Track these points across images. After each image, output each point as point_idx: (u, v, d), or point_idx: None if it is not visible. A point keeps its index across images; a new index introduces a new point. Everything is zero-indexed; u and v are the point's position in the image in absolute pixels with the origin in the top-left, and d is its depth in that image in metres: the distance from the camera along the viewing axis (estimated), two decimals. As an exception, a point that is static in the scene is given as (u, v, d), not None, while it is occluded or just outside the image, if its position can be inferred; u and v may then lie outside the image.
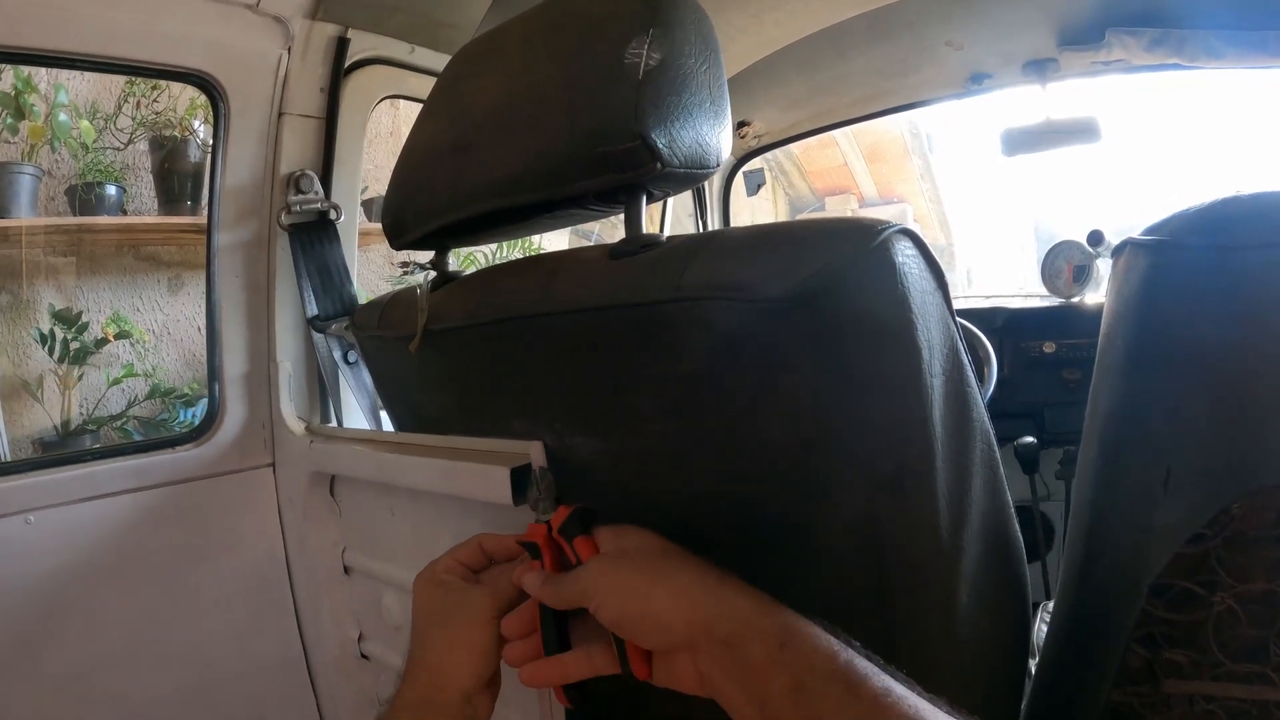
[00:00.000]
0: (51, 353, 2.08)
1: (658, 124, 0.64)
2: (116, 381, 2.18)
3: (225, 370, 1.24)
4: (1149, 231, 0.66)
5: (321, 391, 1.29)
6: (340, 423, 1.28)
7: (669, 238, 0.69)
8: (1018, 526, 0.75)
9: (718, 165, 0.70)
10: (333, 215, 1.23)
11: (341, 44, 1.24)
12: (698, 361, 0.64)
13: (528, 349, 0.77)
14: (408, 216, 0.85)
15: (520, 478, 0.76)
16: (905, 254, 0.59)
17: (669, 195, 0.75)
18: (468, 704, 0.69)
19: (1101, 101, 2.00)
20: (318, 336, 1.23)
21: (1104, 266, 2.05)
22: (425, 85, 1.32)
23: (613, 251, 0.70)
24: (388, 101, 1.41)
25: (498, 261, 2.20)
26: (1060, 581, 0.79)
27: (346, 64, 1.25)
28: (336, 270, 1.22)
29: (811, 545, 0.66)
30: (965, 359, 0.65)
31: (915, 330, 0.59)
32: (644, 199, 0.70)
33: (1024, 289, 2.33)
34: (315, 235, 1.22)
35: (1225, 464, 0.62)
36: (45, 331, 2.09)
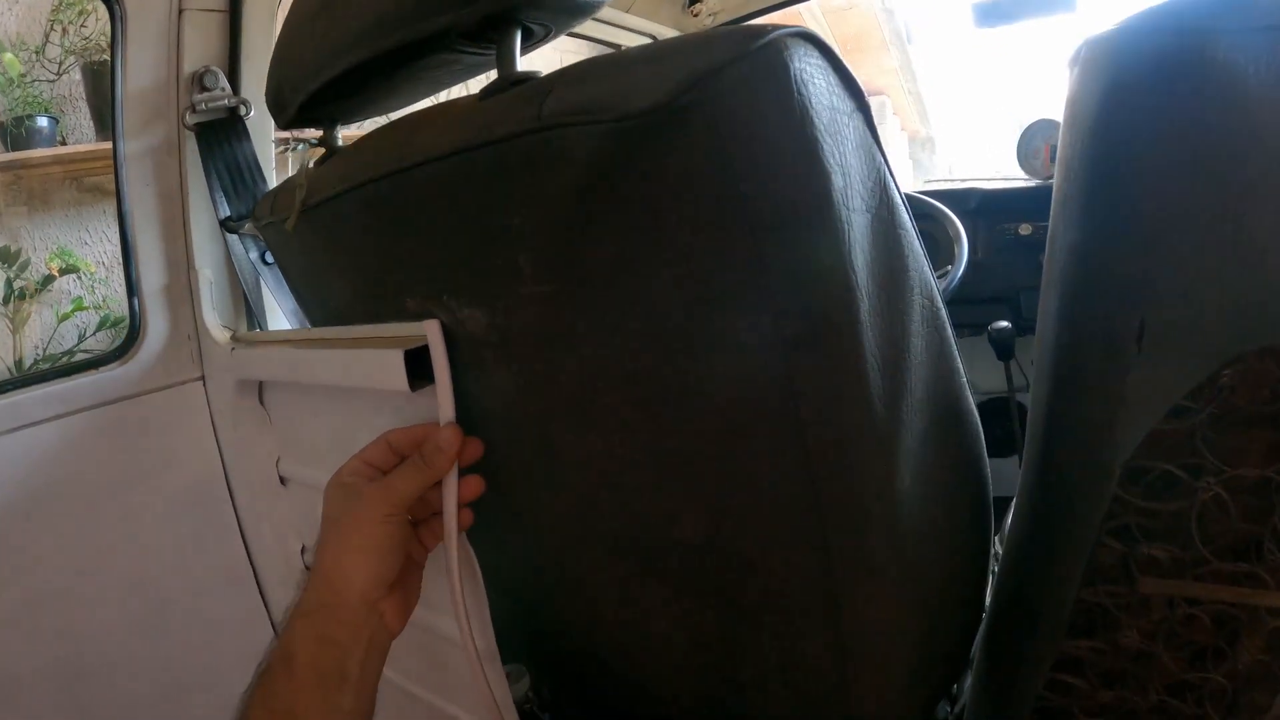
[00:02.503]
0: (-3, 293, 2.03)
1: None
2: (66, 316, 2.14)
3: (144, 283, 1.18)
4: (1114, 25, 0.56)
5: (246, 297, 1.23)
6: (264, 327, 1.23)
7: (547, 75, 0.60)
8: (971, 400, 0.67)
9: None
10: (242, 111, 1.16)
11: (241, -72, 1.14)
12: (567, 204, 0.56)
13: (403, 210, 0.70)
14: (283, 90, 0.78)
15: (417, 360, 0.70)
16: (805, 60, 0.50)
17: (551, 31, 0.67)
18: (371, 610, 0.65)
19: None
20: (232, 238, 1.17)
21: (1083, 146, 1.99)
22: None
23: (483, 92, 0.63)
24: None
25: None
26: (1023, 468, 0.72)
27: (248, -50, 1.16)
28: (248, 167, 1.16)
29: (723, 421, 0.59)
30: (898, 198, 0.57)
31: (820, 149, 0.50)
32: (518, 34, 0.62)
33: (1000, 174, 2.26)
34: (224, 134, 1.15)
35: (1214, 314, 0.54)
36: (-11, 274, 2.03)
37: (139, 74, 1.14)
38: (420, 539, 0.72)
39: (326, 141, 0.83)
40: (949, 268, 1.60)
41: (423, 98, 0.85)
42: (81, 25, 2.14)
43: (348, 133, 0.91)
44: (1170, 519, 0.57)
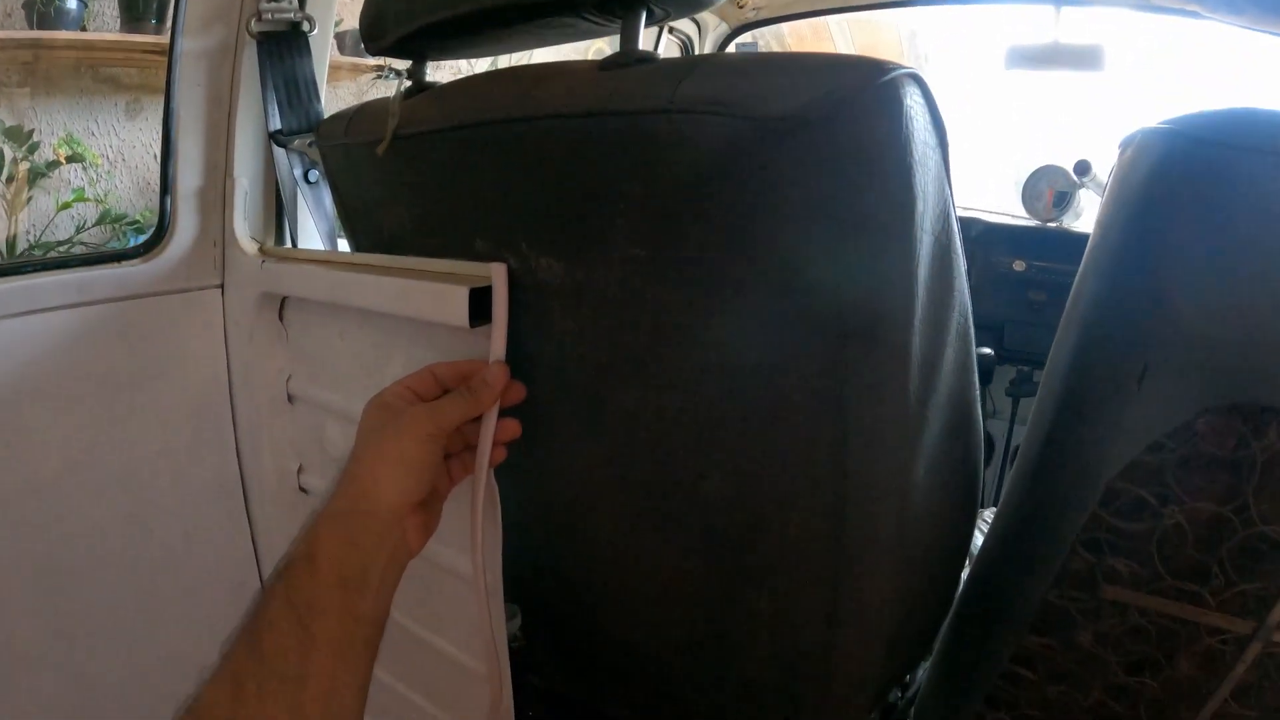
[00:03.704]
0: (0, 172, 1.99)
1: None
2: (66, 205, 2.09)
3: (179, 184, 1.18)
4: (1165, 122, 0.64)
5: (279, 212, 1.24)
6: (295, 244, 1.24)
7: (666, 58, 0.66)
8: (980, 410, 0.75)
9: None
10: (306, 26, 1.16)
11: None
12: (682, 181, 0.62)
13: (503, 158, 0.73)
14: (388, 16, 0.79)
15: (479, 300, 0.73)
16: (913, 98, 0.57)
17: (669, 16, 0.72)
18: (396, 522, 0.67)
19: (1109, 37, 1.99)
20: (279, 152, 1.17)
21: (1085, 197, 2.07)
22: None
23: (603, 63, 0.67)
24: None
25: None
26: (1010, 481, 0.79)
27: None
28: (305, 85, 1.16)
29: (775, 392, 0.65)
30: (956, 225, 0.64)
31: (913, 177, 0.57)
32: (643, 14, 0.67)
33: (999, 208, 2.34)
34: (285, 46, 1.15)
35: (1202, 370, 0.62)
36: (-5, 151, 1.98)
37: (206, -27, 1.13)
38: (449, 470, 0.74)
39: (415, 75, 0.84)
40: None
41: (524, 49, 0.87)
42: (123, -95, 2.09)
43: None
44: (1136, 538, 0.65)
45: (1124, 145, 0.68)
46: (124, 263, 1.17)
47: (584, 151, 0.67)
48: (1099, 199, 2.05)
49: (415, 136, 0.78)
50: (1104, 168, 2.00)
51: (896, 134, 0.56)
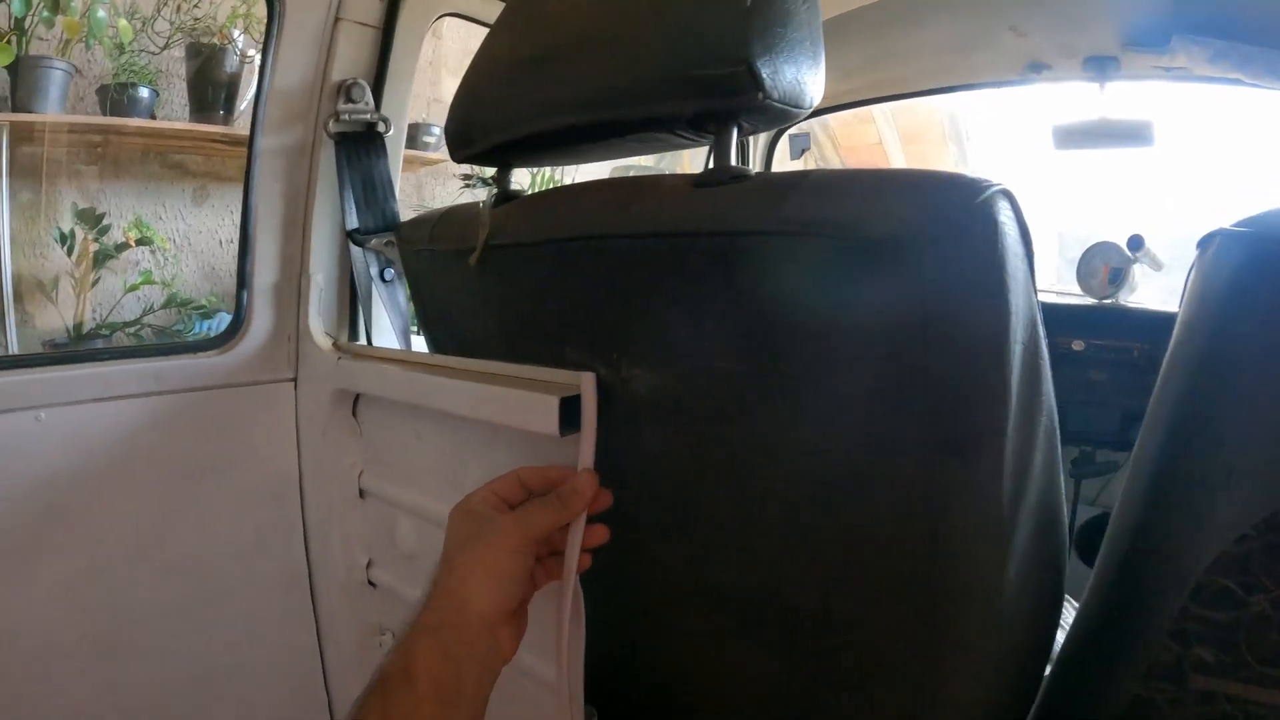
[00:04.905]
0: (70, 253, 2.04)
1: (764, 53, 0.62)
2: (134, 288, 2.15)
3: (255, 279, 1.20)
4: (1242, 224, 0.63)
5: (352, 308, 1.26)
6: (369, 341, 1.25)
7: (757, 173, 0.67)
8: (1065, 507, 0.73)
9: (810, 106, 0.68)
10: (381, 128, 1.20)
11: (406, -48, 1.19)
12: (779, 299, 0.62)
13: (596, 271, 0.74)
14: (474, 128, 0.81)
15: (569, 409, 0.73)
16: (1005, 214, 0.57)
17: (756, 131, 0.73)
18: (489, 632, 0.66)
19: (1152, 107, 1.98)
20: (355, 250, 1.19)
21: (1139, 272, 2.04)
22: (487, 5, 1.29)
23: (698, 180, 0.68)
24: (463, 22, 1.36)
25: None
26: (1095, 575, 0.77)
27: (409, -27, 1.20)
28: (381, 184, 1.19)
29: (868, 503, 0.64)
30: (1042, 331, 0.63)
31: (1007, 291, 0.57)
32: (735, 131, 0.68)
33: (1052, 288, 2.31)
34: (361, 146, 1.18)
35: None
36: (66, 231, 2.04)
37: (287, 75, 1.17)
38: (534, 576, 0.73)
39: (501, 183, 0.86)
40: None
41: (609, 160, 0.89)
42: (195, 5, 2.18)
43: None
44: (1223, 627, 0.63)
45: (1203, 244, 0.68)
46: (200, 354, 1.20)
47: (679, 268, 0.68)
48: (1153, 273, 1.99)
49: (506, 247, 0.79)
50: (1157, 242, 1.98)
51: (991, 252, 0.56)
